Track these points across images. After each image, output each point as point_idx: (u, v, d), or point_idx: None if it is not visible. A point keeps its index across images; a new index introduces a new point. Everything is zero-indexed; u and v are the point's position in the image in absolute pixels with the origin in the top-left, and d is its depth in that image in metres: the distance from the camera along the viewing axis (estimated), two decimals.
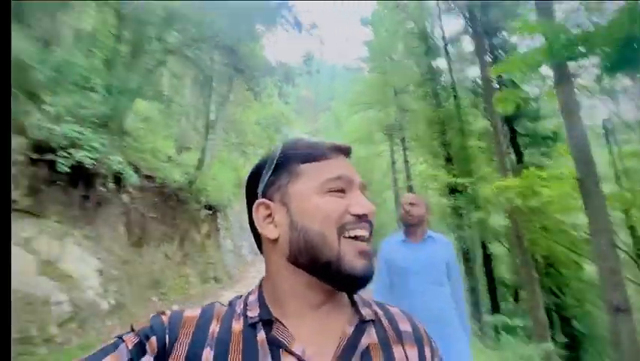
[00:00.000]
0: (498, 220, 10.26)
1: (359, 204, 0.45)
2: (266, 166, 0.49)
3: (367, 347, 0.43)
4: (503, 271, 12.47)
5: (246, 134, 14.79)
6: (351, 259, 0.42)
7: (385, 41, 15.06)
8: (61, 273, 4.78)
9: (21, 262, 4.30)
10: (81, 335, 4.55)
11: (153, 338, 0.40)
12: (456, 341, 1.74)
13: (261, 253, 0.51)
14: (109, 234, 5.96)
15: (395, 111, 15.15)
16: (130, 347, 0.39)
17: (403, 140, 15.61)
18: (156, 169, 7.64)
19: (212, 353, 0.40)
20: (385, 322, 0.48)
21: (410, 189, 13.96)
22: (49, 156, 4.54)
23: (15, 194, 4.49)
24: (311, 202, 0.44)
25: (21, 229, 4.49)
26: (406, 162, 15.70)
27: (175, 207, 8.14)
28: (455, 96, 11.67)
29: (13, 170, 4.43)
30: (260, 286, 0.49)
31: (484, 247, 11.27)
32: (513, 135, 10.65)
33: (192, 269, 8.77)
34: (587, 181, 4.88)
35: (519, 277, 10.22)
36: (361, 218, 0.44)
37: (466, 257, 10.97)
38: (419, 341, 0.48)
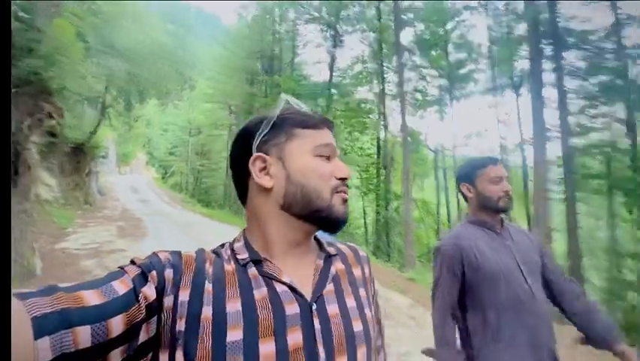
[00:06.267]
0: None
1: (342, 169, 0.57)
2: (262, 125, 0.56)
3: (336, 273, 0.57)
4: None
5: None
6: (338, 208, 0.55)
7: None
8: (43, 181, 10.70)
9: None
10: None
11: (154, 272, 0.46)
12: None
13: (243, 204, 0.59)
14: (58, 166, 11.72)
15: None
16: (132, 276, 0.44)
17: None
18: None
19: (211, 285, 0.48)
20: (344, 253, 0.63)
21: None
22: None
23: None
24: (306, 162, 0.55)
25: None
26: None
27: (78, 155, 13.68)
28: None
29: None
30: (243, 235, 0.57)
31: None
32: None
33: (79, 193, 14.45)
34: None
35: None
36: (344, 180, 0.57)
37: None
38: (359, 261, 0.64)
